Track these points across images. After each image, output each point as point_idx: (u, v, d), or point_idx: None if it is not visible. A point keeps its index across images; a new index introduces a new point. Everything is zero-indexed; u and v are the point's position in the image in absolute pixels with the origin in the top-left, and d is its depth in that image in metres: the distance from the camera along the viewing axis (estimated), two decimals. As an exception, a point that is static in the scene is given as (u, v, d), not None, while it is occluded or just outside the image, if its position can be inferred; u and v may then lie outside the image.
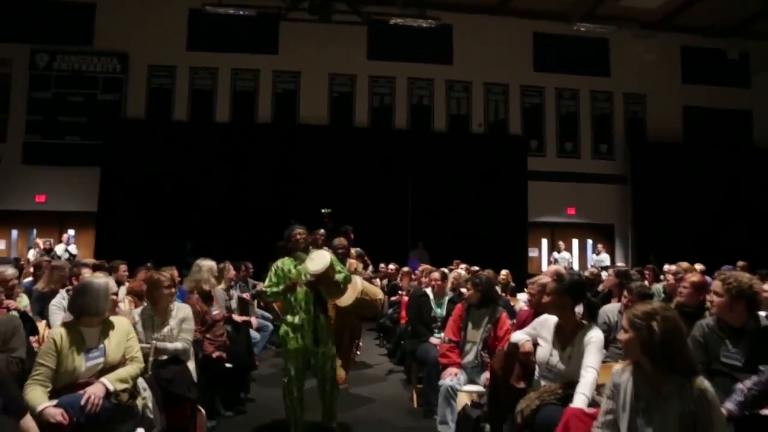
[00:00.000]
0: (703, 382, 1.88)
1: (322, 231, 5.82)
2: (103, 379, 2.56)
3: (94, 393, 2.43)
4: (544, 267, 13.21)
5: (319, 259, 3.82)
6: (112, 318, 2.86)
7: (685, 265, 5.21)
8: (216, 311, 4.43)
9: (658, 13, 13.93)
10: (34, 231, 13.15)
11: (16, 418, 2.06)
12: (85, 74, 13.25)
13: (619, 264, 11.01)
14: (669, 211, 13.76)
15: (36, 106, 13.04)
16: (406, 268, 8.27)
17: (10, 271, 4.05)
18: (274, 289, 3.88)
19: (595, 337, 2.80)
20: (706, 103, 14.84)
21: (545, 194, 13.76)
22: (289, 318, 3.89)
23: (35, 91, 13.05)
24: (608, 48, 14.63)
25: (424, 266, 7.59)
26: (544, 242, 14.19)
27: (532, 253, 13.95)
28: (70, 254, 12.00)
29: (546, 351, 2.90)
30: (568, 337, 2.86)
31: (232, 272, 5.81)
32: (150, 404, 2.76)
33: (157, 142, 12.94)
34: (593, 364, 2.69)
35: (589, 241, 14.22)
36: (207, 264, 4.61)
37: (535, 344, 2.97)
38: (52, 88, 13.14)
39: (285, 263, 3.96)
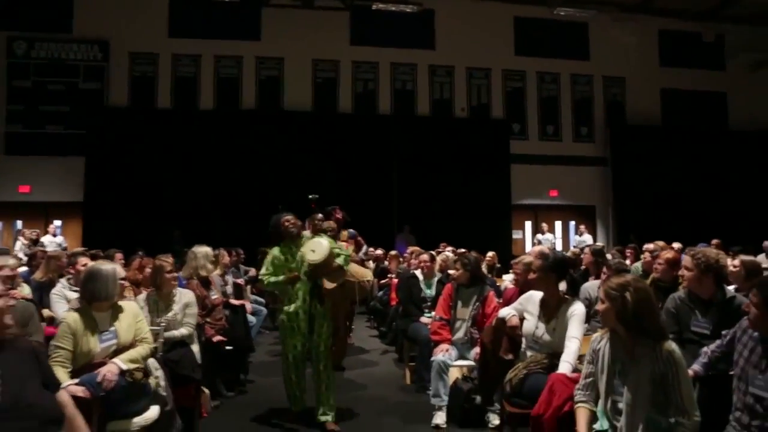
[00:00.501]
0: (671, 345, 2.10)
1: (320, 215, 5.88)
2: (116, 359, 2.71)
3: (108, 371, 2.59)
4: (528, 248, 13.50)
5: (318, 249, 3.83)
6: (122, 302, 3.01)
7: (661, 243, 5.46)
8: (215, 296, 4.59)
9: (636, -4, 14.17)
10: (19, 222, 13.05)
11: (54, 392, 2.21)
12: (65, 62, 13.10)
13: (599, 244, 11.35)
14: (648, 192, 14.11)
15: (16, 95, 12.88)
16: (393, 252, 8.46)
17: (11, 261, 4.15)
18: (272, 279, 3.91)
19: (577, 309, 3.02)
20: (683, 86, 15.17)
21: (528, 177, 14.03)
22: (286, 306, 3.94)
23: (14, 80, 12.89)
24: (588, 32, 14.84)
25: (413, 248, 7.79)
26: (528, 224, 14.48)
27: (516, 235, 14.24)
28: (59, 245, 11.98)
29: (532, 324, 3.12)
30: (552, 311, 3.08)
31: (226, 258, 5.96)
32: (162, 383, 2.92)
33: (141, 130, 12.89)
34: (576, 334, 2.92)
35: (572, 223, 14.55)
36: (202, 250, 4.75)
37: (521, 319, 3.18)
38: (32, 76, 12.98)
39: (280, 251, 3.99)
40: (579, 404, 2.28)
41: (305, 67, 13.72)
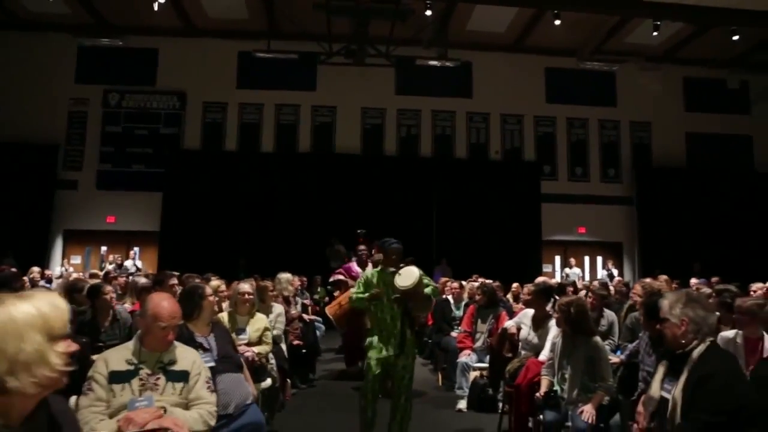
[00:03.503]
0: (597, 339, 3.39)
1: (361, 247, 6.92)
2: (253, 349, 4.11)
3: (249, 350, 4.01)
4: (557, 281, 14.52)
5: (407, 275, 3.92)
6: (260, 314, 4.44)
7: (648, 279, 6.61)
8: (293, 311, 6.03)
9: (661, 47, 15.21)
10: (104, 248, 14.95)
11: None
12: (149, 111, 15.10)
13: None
14: (673, 231, 14.90)
15: (108, 139, 14.89)
16: (431, 281, 9.75)
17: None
18: (360, 296, 4.11)
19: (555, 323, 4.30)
20: (708, 130, 15.98)
21: (557, 215, 15.13)
22: (375, 329, 4.07)
23: (107, 126, 14.94)
24: (615, 80, 15.99)
25: (444, 279, 9.09)
26: (557, 259, 15.53)
27: (546, 268, 15.25)
28: (138, 269, 13.76)
29: (525, 332, 4.43)
30: (540, 323, 4.38)
31: (297, 282, 7.40)
32: (275, 367, 4.33)
33: (211, 170, 14.59)
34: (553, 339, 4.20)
35: (599, 258, 15.51)
36: (285, 276, 6.22)
37: (519, 329, 4.49)
38: (122, 123, 15.02)
39: (372, 275, 4.24)
40: (543, 377, 3.58)
41: (355, 115, 15.33)
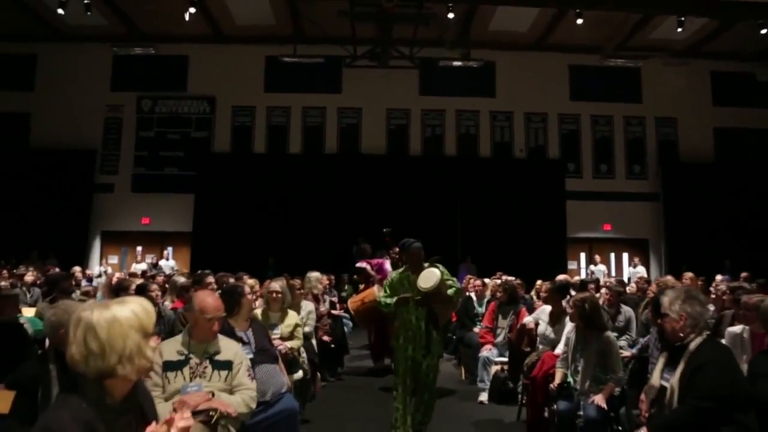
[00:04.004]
0: (609, 334, 3.59)
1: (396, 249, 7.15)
2: (286, 343, 4.42)
3: (282, 344, 4.31)
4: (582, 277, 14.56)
5: (428, 277, 4.06)
6: (291, 311, 4.75)
7: (668, 277, 6.73)
8: (322, 308, 6.33)
9: (687, 42, 15.03)
10: (139, 248, 15.50)
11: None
12: (181, 115, 15.61)
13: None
14: (700, 227, 14.77)
15: (142, 143, 15.47)
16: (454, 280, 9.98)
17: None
18: (387, 301, 4.23)
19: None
20: (736, 124, 15.77)
21: (582, 212, 15.15)
22: (401, 330, 4.19)
23: (141, 131, 15.51)
24: (640, 76, 15.90)
25: (468, 276, 9.30)
26: (582, 255, 15.56)
27: (571, 265, 15.29)
28: (172, 268, 14.27)
29: (543, 328, 4.64)
30: (556, 319, 4.58)
31: (325, 281, 7.70)
32: (306, 361, 4.63)
33: (240, 171, 15.02)
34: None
35: (625, 255, 15.49)
36: (315, 275, 6.52)
37: (536, 324, 4.69)
38: (155, 128, 15.58)
39: (398, 277, 4.36)
40: (557, 369, 3.79)
41: (380, 116, 15.60)
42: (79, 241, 14.82)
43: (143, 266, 13.86)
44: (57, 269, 10.42)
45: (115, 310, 1.65)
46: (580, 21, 12.62)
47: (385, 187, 14.59)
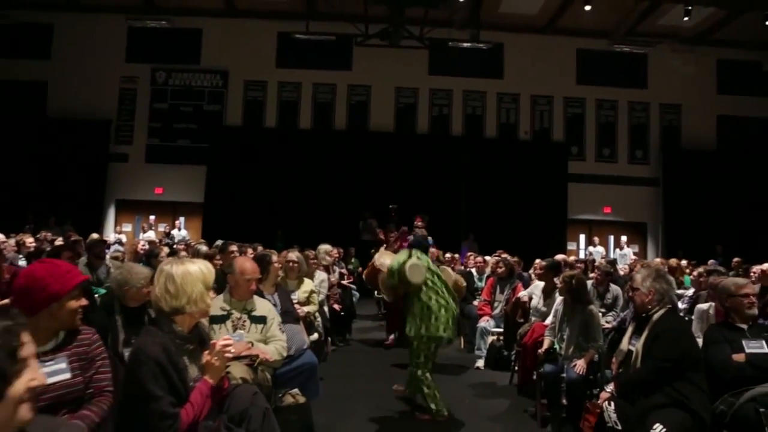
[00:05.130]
0: (592, 307, 4.06)
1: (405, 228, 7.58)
2: (303, 308, 4.90)
3: (300, 308, 4.79)
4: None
5: (418, 273, 4.37)
6: (306, 279, 5.22)
7: (658, 260, 7.17)
8: (332, 278, 6.81)
9: (695, 29, 15.23)
10: (152, 217, 15.95)
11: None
12: (194, 88, 15.93)
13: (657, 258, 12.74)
14: (698, 213, 15.11)
15: (156, 115, 15.81)
16: (456, 256, 10.45)
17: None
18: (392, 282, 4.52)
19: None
20: (740, 113, 16.00)
21: (584, 194, 15.55)
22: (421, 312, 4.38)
23: (155, 103, 15.83)
24: (647, 62, 16.12)
25: (470, 253, 9.76)
26: (582, 237, 16.00)
27: (571, 246, 15.75)
28: (184, 238, 14.75)
29: (536, 301, 5.11)
30: (549, 293, 5.05)
31: (335, 253, 8.18)
32: (320, 323, 5.12)
33: (251, 145, 15.41)
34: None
35: (624, 237, 15.89)
36: (325, 247, 6.99)
37: (530, 298, 5.16)
38: (168, 100, 15.91)
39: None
40: (545, 337, 4.28)
41: (389, 94, 15.90)
42: (95, 209, 15.27)
43: (151, 234, 14.30)
44: (75, 235, 10.92)
45: (187, 266, 2.19)
46: (588, 7, 12.83)
47: (392, 164, 14.96)
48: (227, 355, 2.13)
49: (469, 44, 14.68)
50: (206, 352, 2.16)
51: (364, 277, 6.88)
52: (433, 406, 4.29)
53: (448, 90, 15.96)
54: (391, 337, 7.00)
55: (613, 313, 5.32)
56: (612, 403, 2.89)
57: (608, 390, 3.01)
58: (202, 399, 2.03)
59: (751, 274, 6.29)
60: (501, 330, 5.97)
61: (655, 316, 2.93)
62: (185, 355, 2.14)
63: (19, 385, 1.04)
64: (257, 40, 15.70)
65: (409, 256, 4.43)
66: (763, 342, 3.02)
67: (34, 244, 8.02)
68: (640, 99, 16.12)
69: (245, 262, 3.29)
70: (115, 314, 2.92)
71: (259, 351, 2.93)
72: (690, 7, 12.73)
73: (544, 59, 15.74)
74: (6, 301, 4.19)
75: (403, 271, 4.30)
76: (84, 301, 2.03)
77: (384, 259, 5.11)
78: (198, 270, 2.19)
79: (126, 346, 2.87)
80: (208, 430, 2.05)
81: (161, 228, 15.09)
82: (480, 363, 5.89)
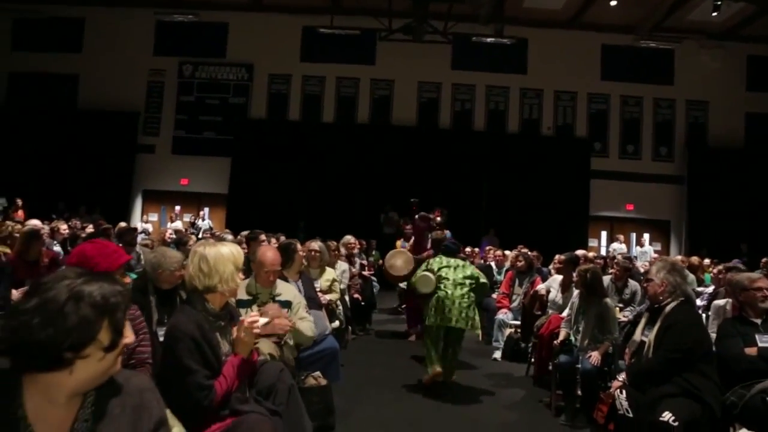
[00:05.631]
0: (608, 300, 4.13)
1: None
2: (326, 296, 5.05)
3: (322, 296, 4.95)
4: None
5: (426, 283, 4.89)
6: (328, 268, 5.38)
7: (679, 257, 7.16)
8: (353, 269, 6.96)
9: (724, 25, 14.97)
10: (177, 207, 16.29)
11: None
12: (219, 81, 16.20)
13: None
14: (723, 211, 14.81)
15: (182, 107, 16.13)
16: (476, 250, 10.53)
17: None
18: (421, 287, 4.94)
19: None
20: (770, 110, 15.77)
21: (606, 191, 15.43)
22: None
23: (182, 95, 16.15)
24: (673, 58, 15.87)
25: (489, 247, 9.83)
26: (603, 234, 15.90)
27: (592, 243, 15.67)
28: (209, 227, 15.04)
29: (554, 294, 5.19)
30: (566, 287, 5.12)
31: (357, 244, 8.32)
32: (342, 311, 5.27)
33: (275, 138, 15.59)
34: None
35: (646, 235, 15.76)
36: (347, 239, 7.15)
37: (548, 291, 5.24)
38: (195, 92, 16.21)
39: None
40: (562, 329, 4.36)
41: (412, 88, 15.96)
42: (122, 199, 15.66)
43: (178, 224, 14.60)
44: (105, 224, 11.26)
45: (220, 248, 2.37)
46: (614, 2, 12.73)
47: (414, 159, 15.03)
48: (255, 330, 2.26)
49: (492, 39, 14.67)
50: (235, 327, 2.30)
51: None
52: (428, 363, 4.85)
53: (471, 85, 15.96)
54: (413, 334, 7.07)
55: (631, 307, 5.36)
56: (623, 392, 2.97)
57: (620, 379, 3.09)
58: (233, 372, 2.18)
59: (772, 272, 6.27)
60: (518, 323, 6.05)
61: (668, 308, 3.00)
62: (217, 331, 2.30)
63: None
64: (282, 34, 15.87)
65: (428, 265, 4.97)
66: (776, 336, 3.07)
67: (67, 231, 8.36)
68: (665, 95, 15.91)
69: (267, 253, 3.42)
70: (149, 295, 3.08)
71: (291, 320, 3.06)
72: (719, 2, 12.50)
73: (568, 55, 15.62)
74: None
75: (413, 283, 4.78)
76: (128, 279, 2.19)
77: (394, 260, 5.35)
78: (229, 252, 2.35)
79: (159, 325, 3.04)
80: (239, 402, 2.20)
81: (186, 218, 15.38)
82: (497, 354, 6.00)
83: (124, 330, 1.21)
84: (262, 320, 2.31)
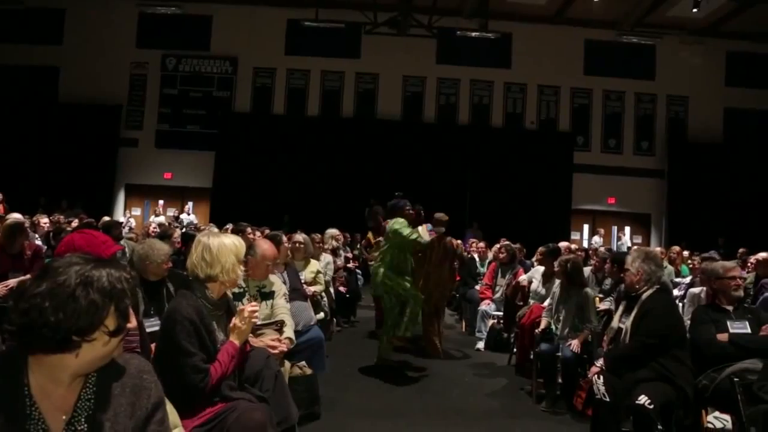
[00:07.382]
0: (588, 290, 4.23)
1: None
2: (310, 288, 5.10)
3: (307, 288, 5.00)
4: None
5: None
6: (313, 260, 5.42)
7: (658, 249, 7.31)
8: (339, 262, 7.01)
9: (705, 21, 15.17)
10: (161, 201, 16.18)
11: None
12: (203, 75, 16.09)
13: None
14: (703, 205, 15.13)
15: (165, 100, 15.99)
16: (460, 242, 10.63)
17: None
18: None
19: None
20: (748, 105, 15.95)
21: (588, 185, 15.64)
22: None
23: (165, 89, 16.02)
24: (654, 53, 16.10)
25: (472, 240, 9.94)
26: (586, 227, 16.12)
27: (574, 236, 15.86)
28: (192, 222, 14.96)
29: (536, 285, 5.29)
30: (548, 278, 5.22)
31: (340, 237, 8.36)
32: (326, 303, 5.32)
33: (259, 131, 15.54)
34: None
35: (627, 228, 16.03)
36: (332, 232, 7.19)
37: (530, 282, 5.34)
38: (178, 86, 16.07)
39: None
40: (543, 318, 4.46)
41: (396, 82, 16.00)
42: (105, 193, 15.51)
43: (161, 219, 14.48)
44: (87, 218, 11.16)
45: (222, 238, 2.44)
46: (596, -3, 12.83)
47: (399, 152, 15.09)
48: (254, 319, 2.32)
49: (477, 34, 14.71)
50: (234, 316, 2.35)
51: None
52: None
53: (456, 79, 16.05)
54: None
55: (611, 298, 5.48)
56: (601, 377, 3.07)
57: (598, 365, 3.19)
58: (228, 358, 2.23)
59: (749, 264, 6.44)
60: (501, 314, 6.15)
61: (644, 296, 3.10)
62: (214, 320, 2.35)
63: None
64: (267, 27, 15.81)
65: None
66: (746, 323, 3.19)
67: (48, 225, 8.29)
68: (647, 90, 16.15)
69: (267, 247, 3.48)
70: (137, 287, 3.10)
71: (286, 344, 3.11)
72: (699, -1, 12.69)
73: (551, 49, 15.75)
74: (27, 276, 4.43)
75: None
76: (117, 269, 2.21)
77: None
78: (232, 243, 2.41)
79: (146, 317, 3.06)
80: (229, 388, 2.25)
81: (170, 212, 15.29)
82: (480, 345, 6.09)
83: (129, 316, 1.26)
84: (260, 344, 2.35)
